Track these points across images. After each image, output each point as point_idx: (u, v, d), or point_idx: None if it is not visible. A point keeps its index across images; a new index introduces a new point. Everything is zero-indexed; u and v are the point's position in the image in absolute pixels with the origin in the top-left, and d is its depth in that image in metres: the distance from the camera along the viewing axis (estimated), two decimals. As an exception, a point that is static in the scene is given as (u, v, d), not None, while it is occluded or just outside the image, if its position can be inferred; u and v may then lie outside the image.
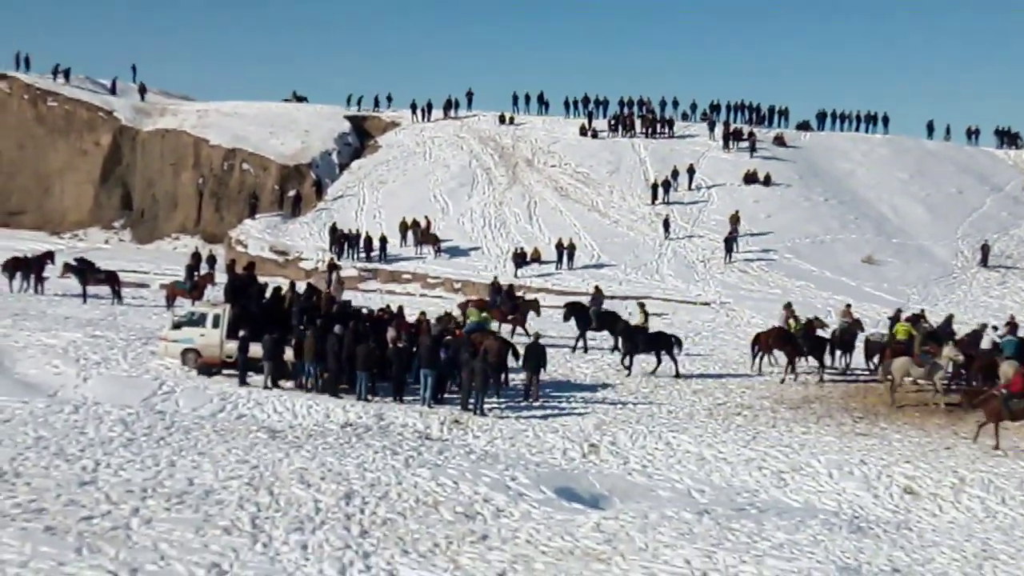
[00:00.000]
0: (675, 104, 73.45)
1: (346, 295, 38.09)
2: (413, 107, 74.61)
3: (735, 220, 55.48)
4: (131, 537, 15.21)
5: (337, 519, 16.78)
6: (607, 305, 38.26)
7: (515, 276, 50.03)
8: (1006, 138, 76.08)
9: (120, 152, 71.35)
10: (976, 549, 17.58)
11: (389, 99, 76.86)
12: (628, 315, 35.74)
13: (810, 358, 32.17)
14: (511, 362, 29.06)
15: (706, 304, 46.30)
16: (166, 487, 17.66)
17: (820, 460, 22.68)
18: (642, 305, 34.74)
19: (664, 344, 31.62)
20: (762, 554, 16.30)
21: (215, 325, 28.64)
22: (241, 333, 27.47)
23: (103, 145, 71.31)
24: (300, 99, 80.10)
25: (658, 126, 69.89)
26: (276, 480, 18.38)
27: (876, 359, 32.16)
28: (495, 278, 42.75)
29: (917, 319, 34.79)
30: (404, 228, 55.32)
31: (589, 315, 35.68)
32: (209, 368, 28.33)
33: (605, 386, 29.93)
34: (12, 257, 42.27)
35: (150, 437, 21.20)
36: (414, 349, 27.92)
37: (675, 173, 61.02)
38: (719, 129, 68.71)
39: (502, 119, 72.42)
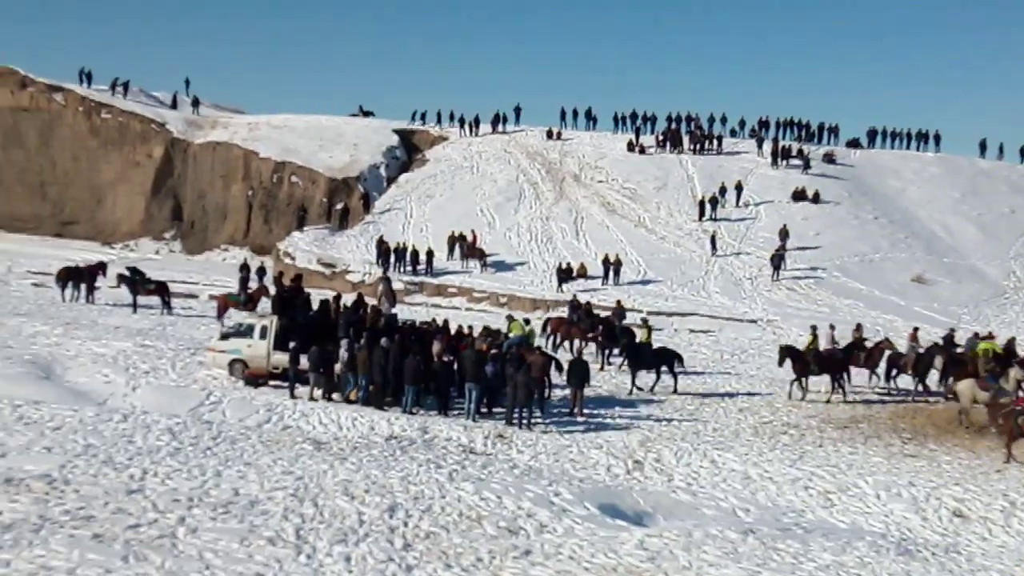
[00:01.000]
0: (723, 120, 73.22)
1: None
2: (461, 121, 74.90)
3: (784, 234, 55.25)
4: (177, 546, 15.32)
5: (380, 532, 16.80)
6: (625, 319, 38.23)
7: (559, 291, 50.04)
8: (1060, 157, 74.95)
9: (172, 164, 72.25)
10: (1027, 574, 17.28)
11: (452, 117, 76.58)
12: (674, 330, 35.66)
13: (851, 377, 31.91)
14: (555, 377, 29.03)
15: (753, 322, 45.98)
16: (212, 497, 17.77)
17: (867, 481, 22.40)
18: (645, 321, 34.72)
19: (666, 360, 31.41)
20: (808, 575, 16.14)
21: (262, 336, 28.86)
22: (292, 345, 27.63)
23: (155, 157, 72.26)
24: (367, 113, 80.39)
25: (706, 142, 69.63)
26: (321, 491, 18.44)
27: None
28: (574, 296, 42.62)
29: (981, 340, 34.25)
30: (451, 242, 55.47)
31: (615, 332, 35.54)
32: (256, 379, 28.53)
33: (649, 402, 29.79)
34: (64, 267, 42.86)
35: (197, 447, 21.36)
36: (457, 363, 27.93)
37: (723, 190, 60.76)
38: (767, 146, 68.34)
39: (549, 134, 72.52)
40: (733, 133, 73.03)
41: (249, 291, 39.03)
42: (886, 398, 31.88)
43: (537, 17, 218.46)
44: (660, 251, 56.05)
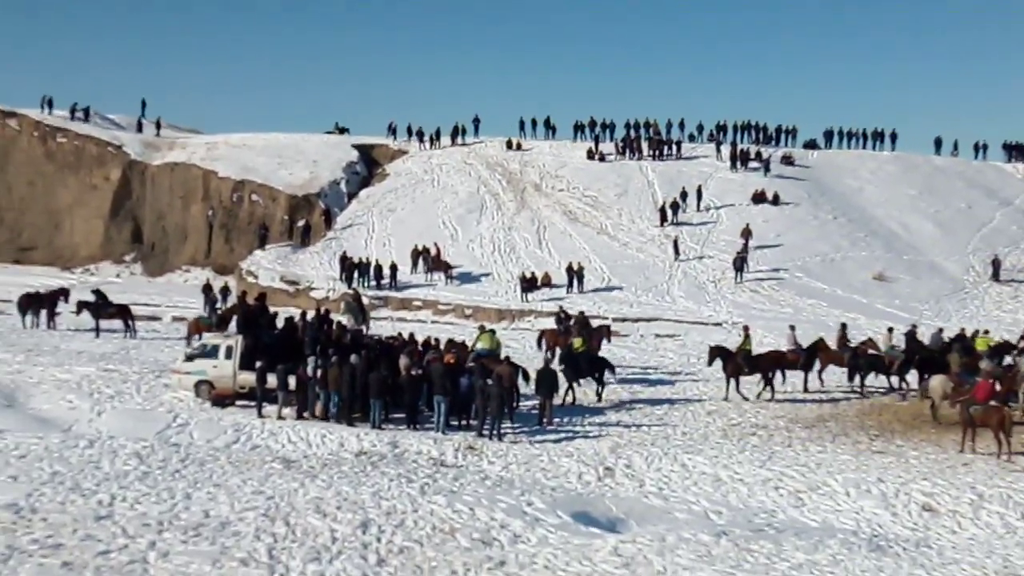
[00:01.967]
0: (682, 126, 73.67)
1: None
2: (420, 135, 74.77)
3: (747, 233, 55.91)
4: (148, 571, 15.21)
5: (354, 548, 16.75)
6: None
7: (524, 301, 50.10)
8: (1014, 152, 76.04)
9: (130, 186, 71.67)
10: (997, 566, 17.43)
11: (409, 131, 76.24)
12: (640, 336, 35.77)
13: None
14: (523, 387, 29.03)
15: (718, 324, 46.19)
16: (182, 520, 17.65)
17: (837, 479, 22.55)
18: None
19: (599, 368, 31.33)
20: (781, 575, 16.22)
21: (228, 356, 28.69)
22: (258, 364, 27.48)
23: (112, 180, 71.67)
24: (343, 131, 79.91)
25: (665, 148, 69.99)
26: (292, 510, 18.35)
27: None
28: (560, 307, 42.24)
29: (961, 337, 34.58)
30: (415, 255, 55.43)
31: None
32: (223, 399, 28.36)
33: (618, 409, 29.85)
34: (25, 294, 42.42)
35: (165, 470, 21.22)
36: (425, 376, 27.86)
37: (683, 194, 61.08)
38: (726, 150, 68.82)
39: (509, 144, 72.64)
40: (692, 138, 73.51)
41: (219, 312, 38.48)
42: (852, 396, 32.09)
43: (492, 27, 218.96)
44: (623, 257, 56.27)
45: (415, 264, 55.23)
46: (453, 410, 27.11)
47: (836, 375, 33.85)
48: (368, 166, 73.01)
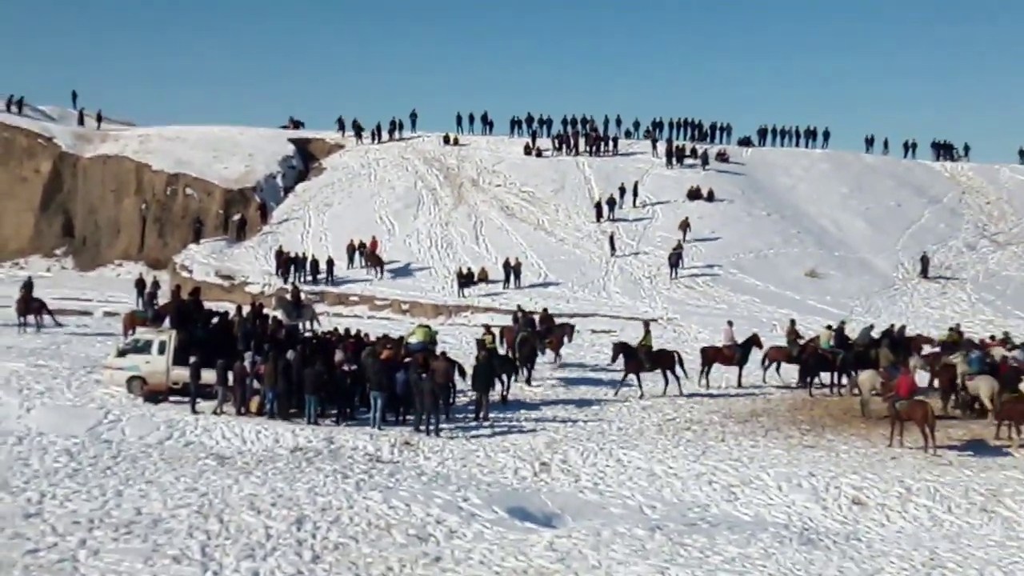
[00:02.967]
0: (618, 122, 74.02)
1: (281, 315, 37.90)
2: (357, 129, 74.36)
3: (684, 226, 56.85)
4: (78, 569, 15.03)
5: (288, 545, 16.67)
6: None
7: (461, 296, 50.10)
8: (942, 151, 77.60)
9: (61, 179, 70.41)
10: (924, 558, 17.78)
11: (341, 124, 75.85)
12: (576, 331, 35.93)
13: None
14: (459, 383, 29.08)
15: (653, 320, 46.48)
16: (113, 517, 17.46)
17: (769, 473, 22.86)
18: (487, 327, 34.92)
19: (507, 369, 31.27)
20: (714, 569, 16.43)
21: (161, 352, 28.37)
22: (192, 359, 27.21)
23: (43, 172, 70.31)
24: (297, 124, 79.02)
25: (602, 144, 70.35)
26: (226, 507, 18.22)
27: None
28: (518, 307, 41.62)
29: (889, 332, 35.21)
30: (351, 250, 55.17)
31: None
32: (155, 395, 28.05)
33: (555, 404, 29.98)
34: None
35: (96, 467, 20.95)
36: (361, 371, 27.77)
37: (620, 190, 61.44)
38: (662, 146, 69.34)
39: (446, 139, 72.54)
40: (628, 134, 73.91)
41: (156, 307, 37.62)
42: (785, 392, 32.54)
43: (430, 22, 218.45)
44: (560, 253, 56.46)
45: (351, 259, 54.99)
46: (389, 406, 27.08)
47: (769, 371, 34.28)
48: (304, 160, 72.47)
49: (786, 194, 66.43)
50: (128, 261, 66.28)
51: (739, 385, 32.91)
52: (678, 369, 31.98)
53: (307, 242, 58.34)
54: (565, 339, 36.36)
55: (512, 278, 51.63)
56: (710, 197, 62.34)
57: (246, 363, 27.19)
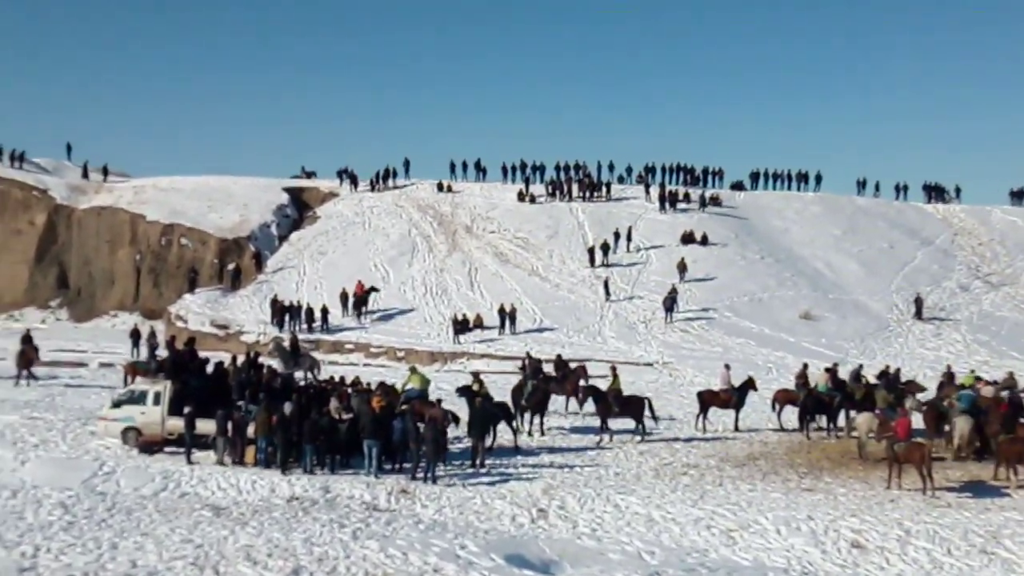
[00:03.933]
0: (611, 167, 74.59)
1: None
2: (352, 177, 74.69)
3: (682, 267, 57.44)
4: (74, 623, 14.91)
5: (285, 596, 16.57)
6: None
7: (456, 343, 50.11)
8: (933, 192, 78.10)
9: (55, 231, 70.65)
10: (924, 600, 17.69)
11: (341, 175, 76.18)
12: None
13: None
14: (451, 430, 28.93)
15: (648, 364, 46.56)
16: (108, 571, 17.36)
17: (768, 517, 22.76)
18: (475, 374, 34.54)
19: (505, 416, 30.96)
20: (714, 614, 16.34)
21: (156, 402, 28.29)
22: (187, 409, 27.12)
23: (37, 224, 70.58)
24: (309, 175, 79.18)
25: (595, 190, 70.69)
26: (222, 559, 18.12)
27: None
28: (527, 353, 41.09)
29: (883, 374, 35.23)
30: (344, 298, 55.25)
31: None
32: (151, 446, 27.92)
33: (551, 450, 29.91)
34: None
35: (91, 519, 20.86)
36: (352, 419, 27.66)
37: (615, 235, 61.67)
38: (655, 191, 69.67)
39: (440, 187, 72.93)
40: (621, 180, 74.37)
41: (159, 359, 37.01)
42: (782, 435, 32.49)
43: (421, 69, 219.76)
44: (555, 299, 56.56)
45: (345, 307, 55.04)
46: (385, 454, 26.99)
47: (766, 414, 34.28)
48: (299, 209, 72.77)
49: (779, 237, 66.70)
50: (123, 312, 66.35)
51: (736, 429, 32.85)
52: (647, 415, 31.80)
53: (302, 290, 58.40)
54: (581, 382, 35.41)
55: (507, 324, 51.67)
56: (704, 241, 62.59)
57: (241, 413, 27.12)
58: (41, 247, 70.24)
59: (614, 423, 31.52)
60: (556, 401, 35.11)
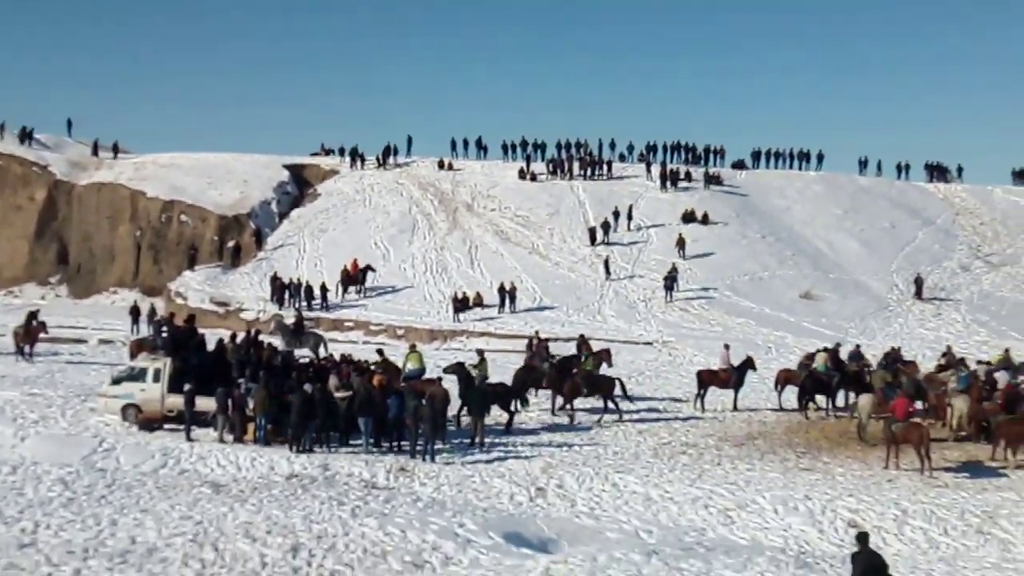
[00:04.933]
0: (612, 146, 74.32)
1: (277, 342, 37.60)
2: (353, 154, 74.63)
3: (681, 243, 57.76)
4: (73, 599, 14.96)
5: (284, 573, 16.64)
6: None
7: (456, 321, 50.12)
8: (935, 172, 77.79)
9: (55, 207, 70.56)
10: (921, 580, 17.76)
11: (342, 151, 75.89)
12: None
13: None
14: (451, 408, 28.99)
15: (648, 343, 46.57)
16: (108, 546, 17.41)
17: (765, 497, 22.83)
18: (480, 351, 34.33)
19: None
20: (711, 593, 16.39)
21: (156, 379, 28.32)
22: (187, 387, 27.13)
23: (37, 200, 70.47)
24: (328, 152, 78.94)
25: (596, 168, 70.56)
26: (221, 535, 18.18)
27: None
28: (535, 332, 40.67)
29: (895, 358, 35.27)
30: (345, 275, 55.21)
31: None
32: (150, 423, 27.99)
33: (550, 429, 29.95)
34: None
35: (91, 496, 20.91)
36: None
37: (615, 214, 61.59)
38: (656, 169, 69.53)
39: (441, 164, 72.77)
40: (622, 158, 74.08)
41: (164, 336, 36.68)
42: (780, 415, 32.54)
43: (424, 47, 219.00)
44: (555, 277, 56.53)
45: (345, 286, 54.96)
46: (382, 431, 27.06)
47: (765, 393, 34.35)
48: (299, 186, 72.58)
49: (781, 216, 66.60)
50: (123, 288, 66.26)
51: (735, 408, 32.90)
52: (617, 396, 31.76)
53: (302, 268, 58.36)
54: (604, 364, 34.93)
55: (507, 302, 51.65)
56: (704, 220, 62.51)
57: (241, 390, 27.18)
58: (41, 223, 70.16)
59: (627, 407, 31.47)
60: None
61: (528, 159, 71.97)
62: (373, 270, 55.87)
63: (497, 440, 28.04)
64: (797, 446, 28.12)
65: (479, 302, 51.98)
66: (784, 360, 38.56)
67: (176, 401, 27.71)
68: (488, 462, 25.70)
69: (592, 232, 60.30)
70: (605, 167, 70.97)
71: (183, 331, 31.01)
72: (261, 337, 33.62)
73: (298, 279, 54.91)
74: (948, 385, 30.38)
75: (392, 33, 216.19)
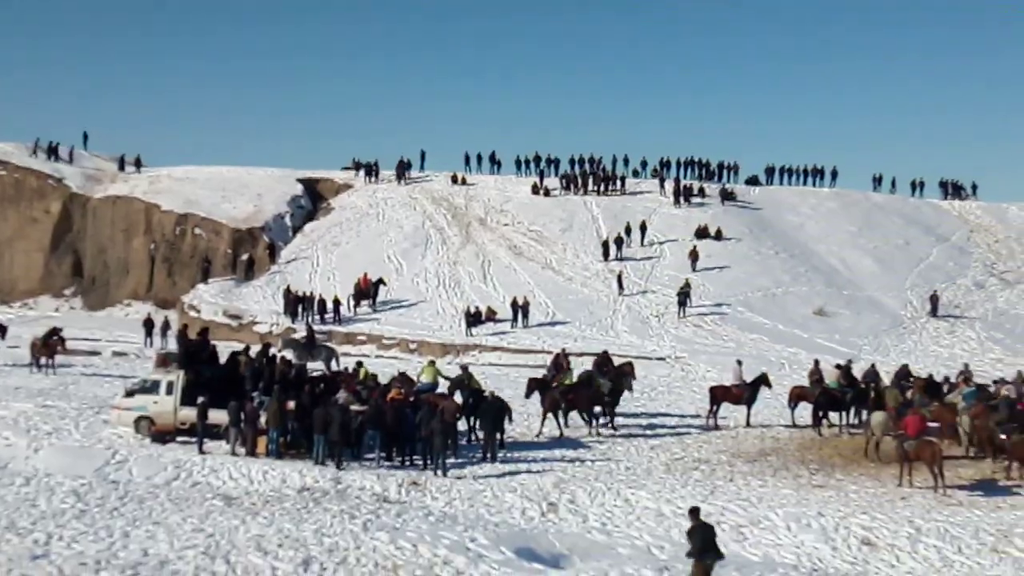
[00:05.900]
0: (626, 161, 74.26)
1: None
2: (367, 168, 74.86)
3: (694, 256, 57.99)
4: (85, 611, 14.98)
5: (295, 586, 16.61)
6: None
7: (468, 335, 50.13)
8: (950, 189, 77.62)
9: (71, 219, 71.02)
10: (934, 598, 17.65)
11: (357, 166, 76.15)
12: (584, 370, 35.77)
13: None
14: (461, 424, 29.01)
15: (661, 359, 46.49)
16: (120, 559, 17.43)
17: (778, 513, 22.74)
18: (464, 367, 34.28)
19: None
20: (723, 610, 16.32)
21: (169, 392, 28.40)
22: (200, 399, 27.18)
23: (53, 213, 70.94)
24: (359, 167, 78.56)
25: (609, 183, 70.61)
26: (233, 548, 18.18)
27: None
28: (562, 349, 39.25)
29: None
30: (357, 289, 55.30)
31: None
32: (163, 436, 28.05)
33: (562, 444, 29.88)
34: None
35: (103, 508, 20.95)
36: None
37: (628, 229, 61.60)
38: (669, 185, 69.53)
39: (454, 179, 72.96)
40: (636, 174, 74.08)
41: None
42: (793, 431, 32.44)
43: (438, 60, 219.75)
44: (568, 292, 56.51)
45: (358, 301, 55.04)
46: (395, 445, 27.10)
47: (778, 409, 34.27)
48: (313, 200, 72.89)
49: (794, 232, 66.49)
50: (137, 301, 66.60)
51: (748, 424, 32.79)
52: (596, 409, 31.65)
53: (315, 281, 58.48)
54: (628, 378, 34.40)
55: (520, 317, 51.64)
56: (718, 236, 62.45)
57: (254, 403, 27.23)
58: (56, 236, 70.59)
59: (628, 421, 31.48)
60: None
61: (542, 174, 72.06)
62: (385, 284, 55.92)
63: (509, 455, 28.00)
64: (810, 463, 28.02)
65: (492, 316, 51.99)
66: (797, 377, 38.40)
67: (189, 414, 27.76)
68: (500, 476, 25.67)
69: (605, 247, 60.29)
70: (619, 182, 71.02)
71: (196, 344, 31.09)
72: (273, 351, 33.66)
73: (311, 292, 55.02)
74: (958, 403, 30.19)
75: (406, 47, 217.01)
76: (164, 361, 34.86)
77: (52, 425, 28.84)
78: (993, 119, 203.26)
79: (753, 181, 75.44)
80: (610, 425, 31.81)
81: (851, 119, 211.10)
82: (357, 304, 54.74)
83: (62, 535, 18.59)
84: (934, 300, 56.38)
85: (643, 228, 62.40)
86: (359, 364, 34.07)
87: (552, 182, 71.00)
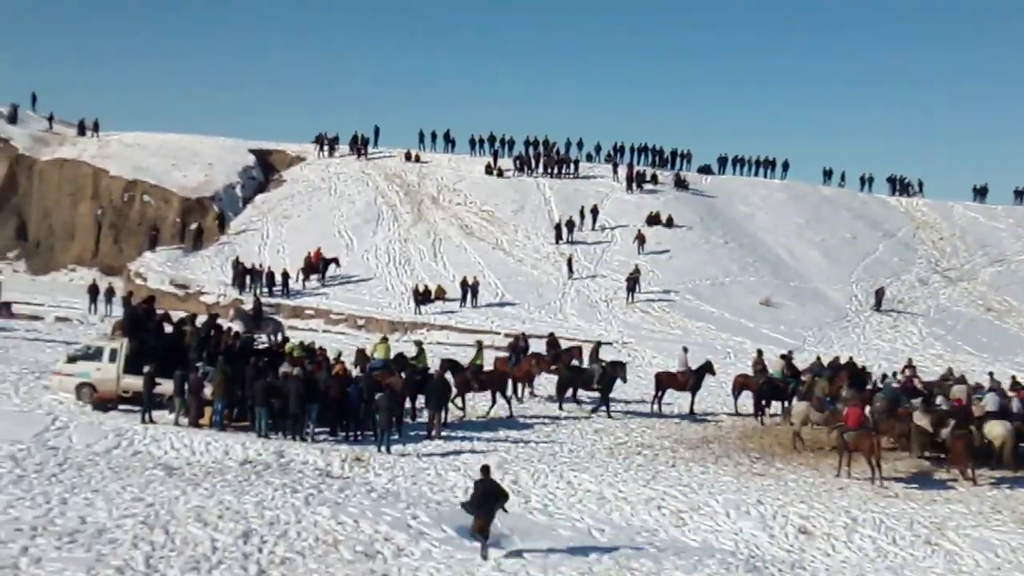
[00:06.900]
0: (580, 145, 74.27)
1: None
2: (320, 142, 74.29)
3: (640, 240, 58.46)
4: (20, 577, 14.82)
5: (234, 559, 16.54)
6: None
7: (417, 313, 50.03)
8: (898, 185, 78.49)
9: (16, 181, 69.86)
10: (867, 588, 17.93)
11: (324, 142, 75.47)
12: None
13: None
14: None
15: (608, 343, 46.60)
16: (57, 526, 17.24)
17: (718, 500, 22.98)
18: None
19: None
20: (660, 593, 16.47)
21: (112, 359, 28.09)
22: (147, 368, 26.88)
23: (-2, 174, 69.72)
24: (321, 140, 77.42)
25: (563, 166, 70.65)
26: (172, 519, 18.05)
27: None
28: (522, 333, 40.11)
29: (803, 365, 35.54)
30: (308, 264, 54.96)
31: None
32: (105, 403, 27.76)
33: (508, 425, 29.97)
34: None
35: (41, 474, 20.69)
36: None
37: (581, 213, 61.71)
38: (623, 171, 69.71)
39: (408, 156, 72.57)
40: (589, 158, 74.09)
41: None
42: (736, 419, 32.75)
43: (396, 37, 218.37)
44: (518, 274, 56.55)
45: (307, 275, 54.71)
46: (339, 420, 27.06)
47: (721, 397, 34.58)
48: (265, 172, 72.20)
49: (744, 222, 66.97)
50: (82, 267, 65.69)
51: (691, 411, 33.06)
52: (509, 392, 31.93)
53: (264, 253, 58.07)
54: (574, 362, 34.89)
55: (469, 297, 51.63)
56: (669, 223, 62.74)
57: (199, 373, 27.02)
58: (1, 197, 69.38)
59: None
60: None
61: (495, 154, 71.94)
62: (338, 265, 55.56)
63: (453, 434, 28.05)
64: (751, 451, 28.33)
65: (441, 295, 51.93)
66: (742, 365, 38.77)
67: (132, 382, 27.50)
68: (444, 455, 25.70)
69: (558, 230, 60.36)
70: (572, 166, 71.05)
71: (142, 311, 30.76)
72: (220, 321, 33.43)
73: (260, 265, 54.62)
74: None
75: (364, 24, 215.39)
76: (120, 329, 34.60)
77: (-9, 389, 28.44)
78: (942, 118, 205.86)
79: (705, 170, 75.73)
80: (605, 412, 31.95)
81: (803, 112, 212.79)
82: (306, 278, 54.45)
83: (-2, 500, 18.36)
84: (879, 295, 57.10)
85: (595, 212, 62.54)
86: (384, 339, 34.03)
87: (506, 163, 70.87)
